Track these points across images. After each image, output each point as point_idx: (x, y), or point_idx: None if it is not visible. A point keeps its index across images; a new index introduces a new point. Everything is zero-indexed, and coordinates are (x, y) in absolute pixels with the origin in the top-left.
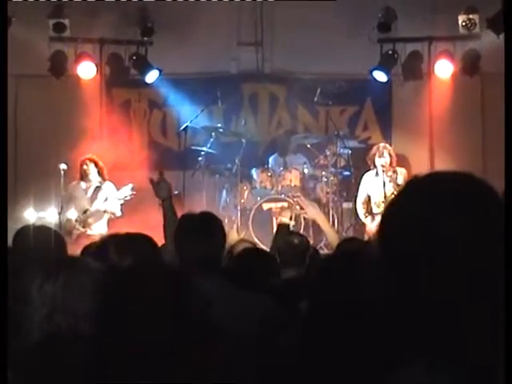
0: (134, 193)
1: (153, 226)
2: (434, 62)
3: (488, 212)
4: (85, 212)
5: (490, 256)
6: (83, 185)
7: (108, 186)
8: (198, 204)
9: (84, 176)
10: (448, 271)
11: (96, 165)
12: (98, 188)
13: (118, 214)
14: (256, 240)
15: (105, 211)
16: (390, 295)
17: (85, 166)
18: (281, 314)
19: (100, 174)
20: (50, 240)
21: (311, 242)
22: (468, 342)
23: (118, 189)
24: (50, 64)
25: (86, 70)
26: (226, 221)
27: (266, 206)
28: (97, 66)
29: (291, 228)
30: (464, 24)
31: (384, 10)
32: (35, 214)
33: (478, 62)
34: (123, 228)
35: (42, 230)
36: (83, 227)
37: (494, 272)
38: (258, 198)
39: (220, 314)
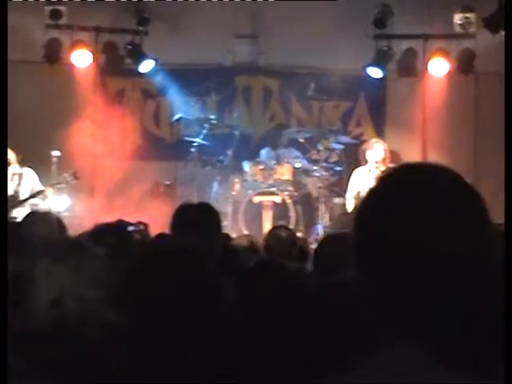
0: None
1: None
2: (429, 60)
3: (461, 201)
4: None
5: (463, 242)
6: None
7: (29, 173)
8: (190, 195)
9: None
10: (421, 259)
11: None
12: (20, 175)
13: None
14: (246, 232)
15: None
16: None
17: None
18: None
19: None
20: (55, 225)
21: (302, 236)
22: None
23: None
24: (45, 51)
25: (81, 58)
26: None
27: (256, 199)
28: (92, 54)
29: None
30: (460, 23)
31: (380, 7)
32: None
33: (472, 61)
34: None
35: (45, 215)
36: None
37: (470, 261)
38: (249, 191)
39: None
